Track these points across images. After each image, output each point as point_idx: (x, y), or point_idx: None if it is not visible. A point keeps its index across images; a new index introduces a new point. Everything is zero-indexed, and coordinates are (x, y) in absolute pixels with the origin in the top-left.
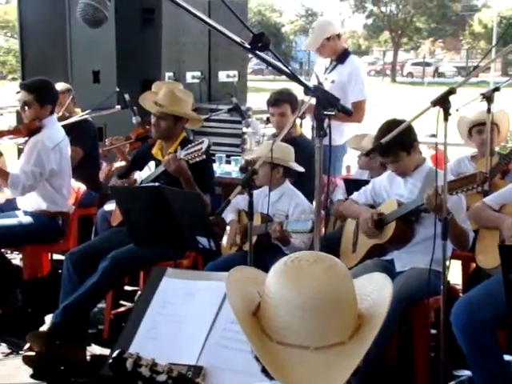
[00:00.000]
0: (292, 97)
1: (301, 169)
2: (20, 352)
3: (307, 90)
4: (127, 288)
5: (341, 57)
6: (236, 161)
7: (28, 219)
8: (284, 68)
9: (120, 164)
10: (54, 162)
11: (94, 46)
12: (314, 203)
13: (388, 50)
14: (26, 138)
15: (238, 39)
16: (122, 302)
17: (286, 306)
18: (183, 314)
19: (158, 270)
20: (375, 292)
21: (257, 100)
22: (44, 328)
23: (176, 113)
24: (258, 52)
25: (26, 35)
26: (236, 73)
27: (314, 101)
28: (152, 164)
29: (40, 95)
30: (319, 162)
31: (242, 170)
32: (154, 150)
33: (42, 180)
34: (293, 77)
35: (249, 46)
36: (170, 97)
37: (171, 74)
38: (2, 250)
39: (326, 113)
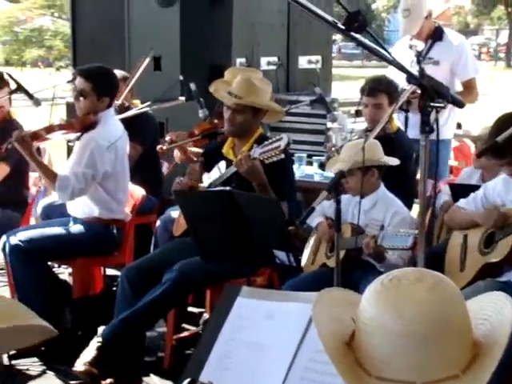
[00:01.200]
0: (391, 86)
1: (396, 161)
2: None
3: (411, 78)
4: (191, 309)
5: (435, 34)
6: (318, 161)
7: (78, 228)
8: (384, 52)
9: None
10: (108, 164)
11: (155, 28)
12: (416, 212)
13: (502, 29)
14: (78, 134)
15: (329, 18)
16: (185, 325)
17: (383, 334)
18: (261, 340)
19: (231, 288)
20: (493, 315)
21: (342, 90)
22: (94, 346)
23: (255, 104)
24: (353, 34)
25: (79, 16)
26: (319, 58)
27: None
28: (222, 164)
29: (98, 85)
30: (424, 164)
31: (322, 167)
32: (225, 149)
33: (94, 183)
34: (394, 62)
35: (343, 27)
36: (248, 86)
37: (243, 59)
38: (49, 264)
39: (433, 105)
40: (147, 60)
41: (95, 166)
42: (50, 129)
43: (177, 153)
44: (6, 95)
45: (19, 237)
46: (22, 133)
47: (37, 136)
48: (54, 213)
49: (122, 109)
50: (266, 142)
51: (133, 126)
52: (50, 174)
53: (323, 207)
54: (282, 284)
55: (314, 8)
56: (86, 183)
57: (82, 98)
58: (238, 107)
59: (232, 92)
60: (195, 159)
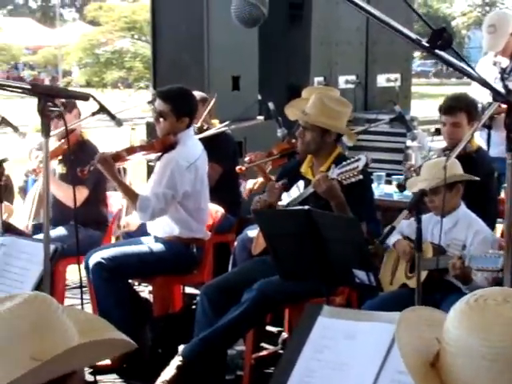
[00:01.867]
0: (471, 104)
1: (477, 178)
2: None
3: (497, 95)
4: (269, 328)
5: None
6: (398, 180)
7: (159, 246)
8: (469, 69)
9: (256, 181)
10: (188, 184)
11: (234, 48)
12: (499, 230)
13: None
14: (159, 155)
15: (412, 35)
16: (263, 344)
17: (467, 356)
18: (343, 360)
19: (312, 307)
20: None
21: (421, 108)
22: (174, 365)
23: (322, 124)
24: (437, 51)
25: (159, 38)
26: (398, 76)
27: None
28: (301, 184)
29: (177, 106)
30: (510, 182)
31: (401, 188)
32: (304, 168)
33: (174, 203)
34: (479, 79)
35: (427, 45)
36: (319, 105)
37: (321, 78)
38: (129, 281)
39: None
40: (213, 101)
41: (175, 186)
42: (132, 150)
43: (245, 187)
44: (77, 119)
45: (101, 255)
46: (104, 154)
47: (118, 157)
48: (135, 231)
49: (201, 131)
50: (344, 163)
51: (212, 145)
52: (131, 195)
53: (400, 226)
54: (361, 304)
55: (396, 25)
56: (166, 203)
57: (161, 120)
58: (306, 125)
59: (305, 110)
60: (273, 178)
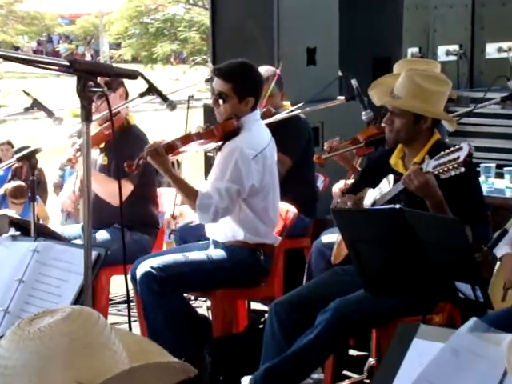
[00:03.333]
0: None
1: None
2: None
3: None
4: (353, 353)
5: None
6: (510, 173)
7: (219, 253)
8: None
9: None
10: (255, 176)
11: (310, 15)
12: None
13: None
14: (219, 144)
15: None
16: (345, 372)
17: None
18: None
19: (405, 327)
20: None
21: None
22: None
23: (415, 109)
24: None
25: (220, 3)
26: None
27: None
28: (391, 178)
29: (240, 85)
30: None
31: None
32: (393, 159)
33: (239, 200)
34: None
35: None
36: (409, 85)
37: (416, 49)
38: (185, 295)
39: None
40: (277, 73)
41: (241, 179)
42: (187, 139)
43: (322, 182)
44: (122, 100)
45: (151, 263)
46: (155, 145)
47: (172, 148)
48: (191, 236)
49: (268, 116)
50: (443, 153)
51: (280, 133)
52: (189, 192)
53: None
54: None
55: None
56: (231, 200)
57: (221, 102)
58: (395, 110)
59: (394, 91)
60: (359, 169)
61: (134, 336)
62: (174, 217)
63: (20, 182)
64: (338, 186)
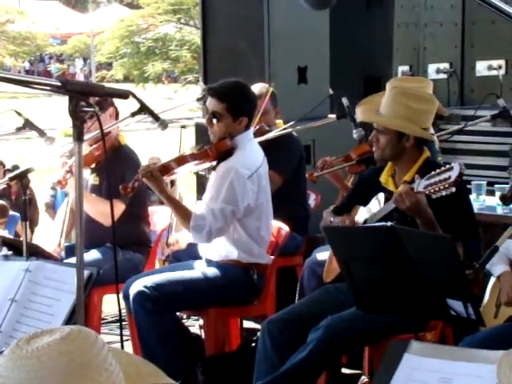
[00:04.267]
0: None
1: None
2: None
3: None
4: (345, 371)
5: None
6: (502, 190)
7: (212, 271)
8: None
9: None
10: (250, 196)
11: (300, 34)
12: None
13: None
14: (213, 164)
15: None
16: None
17: None
18: None
19: (397, 343)
20: None
21: None
22: None
23: (396, 127)
24: None
25: (211, 22)
26: (502, 63)
27: None
28: (381, 196)
29: (234, 104)
30: None
31: (506, 200)
32: (383, 177)
33: (233, 221)
34: None
35: None
36: (392, 102)
37: (406, 67)
38: (177, 314)
39: None
40: (270, 91)
41: (236, 200)
42: (182, 160)
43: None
44: (112, 119)
45: (144, 282)
46: (149, 167)
47: (167, 169)
48: (185, 254)
49: (260, 134)
50: (434, 172)
51: (271, 151)
52: (183, 213)
53: (507, 248)
54: (458, 341)
55: (500, 4)
56: (225, 221)
57: (215, 121)
58: (379, 127)
59: (380, 109)
60: (350, 186)
61: (131, 357)
62: (168, 244)
63: (1, 201)
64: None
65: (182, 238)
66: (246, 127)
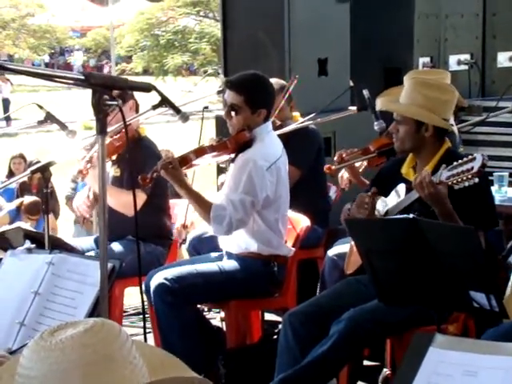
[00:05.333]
0: None
1: None
2: None
3: None
4: (367, 363)
5: None
6: None
7: (233, 264)
8: None
9: None
10: (269, 188)
11: (321, 26)
12: None
13: None
14: (232, 156)
15: None
16: (360, 382)
17: None
18: None
19: (421, 336)
20: None
21: None
22: None
23: (414, 116)
24: None
25: (231, 14)
26: None
27: None
28: (401, 187)
29: (252, 97)
30: None
31: None
32: (404, 169)
33: (253, 212)
34: None
35: None
36: (411, 92)
37: (427, 59)
38: (198, 306)
39: None
40: (295, 82)
41: (255, 190)
42: (201, 151)
43: (342, 176)
44: (132, 111)
45: (165, 275)
46: (168, 158)
47: (186, 161)
48: (204, 247)
49: (274, 128)
50: (456, 163)
51: (289, 144)
52: (203, 205)
53: None
54: (480, 334)
55: None
56: (245, 212)
57: (234, 114)
58: (398, 118)
59: (399, 100)
60: (367, 183)
61: (154, 350)
62: (184, 226)
63: (35, 198)
64: (346, 176)
65: (196, 220)
66: (264, 119)
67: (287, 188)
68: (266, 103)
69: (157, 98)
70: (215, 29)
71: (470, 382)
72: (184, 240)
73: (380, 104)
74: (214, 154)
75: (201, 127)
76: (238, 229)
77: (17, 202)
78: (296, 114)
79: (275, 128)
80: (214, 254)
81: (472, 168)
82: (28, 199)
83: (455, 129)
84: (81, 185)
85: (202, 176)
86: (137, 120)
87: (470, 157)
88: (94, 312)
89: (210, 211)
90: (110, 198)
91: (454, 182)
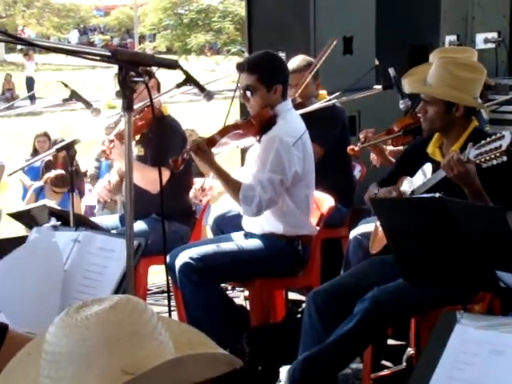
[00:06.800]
0: None
1: None
2: None
3: None
4: (391, 342)
5: None
6: None
7: (257, 243)
8: None
9: None
10: (297, 163)
11: (346, 4)
12: None
13: None
14: (257, 137)
15: None
16: (384, 362)
17: None
18: (489, 381)
19: (448, 314)
20: None
21: None
22: None
23: (446, 97)
24: None
25: None
26: None
27: None
28: (428, 167)
29: (265, 74)
30: None
31: None
32: (430, 148)
33: (283, 191)
34: None
35: None
36: (440, 72)
37: (454, 37)
38: (222, 285)
39: None
40: (334, 43)
41: (283, 168)
42: (225, 131)
43: (374, 157)
44: (154, 90)
45: (189, 254)
46: (196, 140)
47: (213, 142)
48: (228, 225)
49: (300, 107)
50: (484, 142)
51: (314, 122)
52: (233, 185)
53: None
54: (506, 313)
55: None
56: (274, 191)
57: (249, 95)
58: (427, 98)
59: (427, 79)
60: (393, 161)
61: (181, 326)
62: (203, 188)
63: (61, 171)
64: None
65: (215, 184)
66: (282, 96)
67: (313, 164)
68: (280, 78)
69: (177, 78)
70: (239, 7)
71: (498, 360)
72: (200, 201)
73: (408, 86)
74: (239, 131)
75: (230, 104)
76: (268, 208)
77: (44, 178)
78: (323, 92)
79: (297, 105)
80: (237, 233)
81: (500, 146)
82: (53, 172)
83: (485, 106)
84: (104, 164)
85: (227, 158)
86: (159, 99)
87: (498, 135)
88: (119, 289)
89: (239, 191)
90: (135, 173)
91: (482, 160)
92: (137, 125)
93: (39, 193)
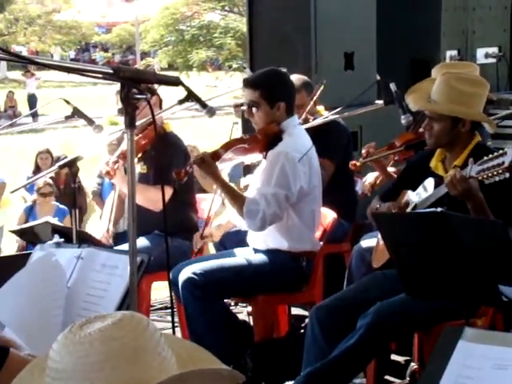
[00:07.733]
0: None
1: None
2: None
3: None
4: (395, 358)
5: None
6: None
7: (261, 258)
8: None
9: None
10: (303, 179)
11: (347, 20)
12: None
13: None
14: (263, 153)
15: None
16: (387, 377)
17: None
18: None
19: (451, 330)
20: None
21: None
22: None
23: (452, 113)
24: None
25: (257, 9)
26: None
27: None
28: (429, 182)
29: (268, 90)
30: None
31: None
32: (433, 163)
33: (288, 206)
34: None
35: None
36: (445, 88)
37: (454, 52)
38: (225, 301)
39: None
40: (321, 89)
41: (288, 183)
42: (229, 145)
43: (364, 182)
44: (156, 107)
45: (193, 269)
46: (201, 154)
47: (217, 156)
48: (231, 241)
49: (306, 122)
50: (486, 158)
51: (320, 138)
52: (237, 199)
53: None
54: (508, 328)
55: None
56: (278, 206)
57: (254, 111)
58: (433, 115)
59: (431, 96)
60: (394, 176)
61: (183, 342)
62: (202, 237)
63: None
64: (368, 181)
65: (215, 233)
66: (287, 113)
67: (320, 179)
68: (284, 96)
69: (179, 94)
70: (240, 23)
71: (501, 375)
72: (200, 250)
73: (413, 103)
74: (245, 146)
75: (233, 124)
76: (272, 223)
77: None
78: (320, 107)
79: (306, 123)
80: (240, 249)
81: (503, 163)
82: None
83: (491, 119)
84: (107, 182)
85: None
86: (161, 116)
87: (500, 151)
88: (122, 305)
89: (244, 205)
90: (137, 195)
91: (485, 176)
92: (140, 143)
93: (29, 212)
